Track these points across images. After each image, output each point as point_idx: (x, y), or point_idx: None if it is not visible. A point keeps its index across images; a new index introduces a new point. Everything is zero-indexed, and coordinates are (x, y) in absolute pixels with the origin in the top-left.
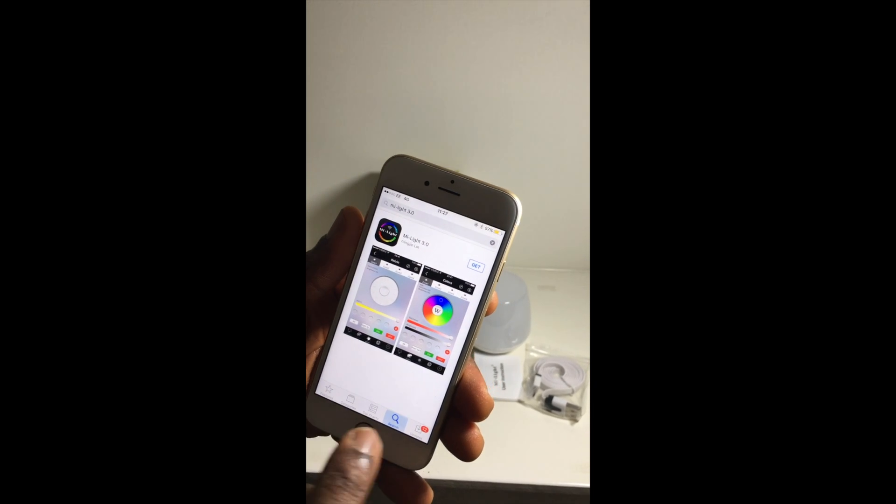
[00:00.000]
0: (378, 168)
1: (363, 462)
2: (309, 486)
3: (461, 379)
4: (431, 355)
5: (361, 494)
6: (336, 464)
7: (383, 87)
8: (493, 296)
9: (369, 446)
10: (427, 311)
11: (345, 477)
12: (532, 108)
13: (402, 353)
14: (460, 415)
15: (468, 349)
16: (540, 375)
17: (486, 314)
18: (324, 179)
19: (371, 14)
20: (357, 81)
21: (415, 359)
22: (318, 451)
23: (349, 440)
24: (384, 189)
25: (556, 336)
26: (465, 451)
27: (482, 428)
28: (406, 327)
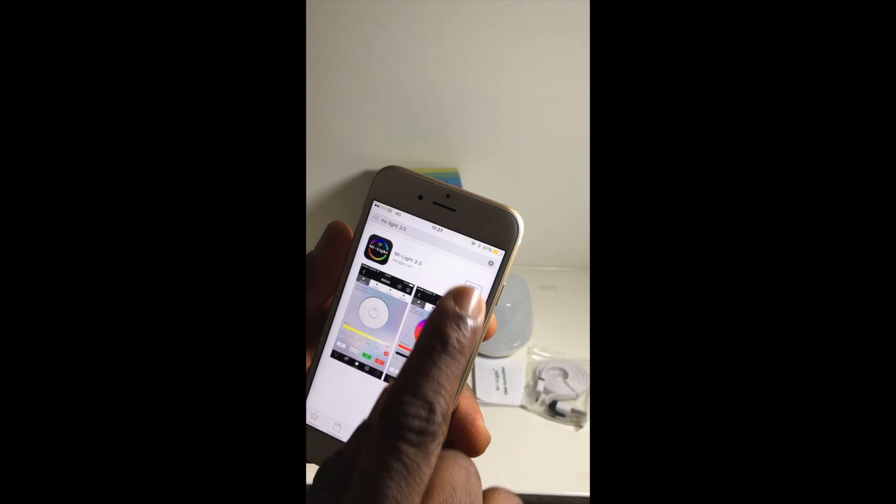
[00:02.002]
0: (374, 166)
1: (467, 326)
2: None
3: (455, 410)
4: None
5: (463, 360)
6: (434, 326)
7: (380, 85)
8: (492, 320)
9: (472, 309)
10: None
11: (443, 341)
12: (531, 108)
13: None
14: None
15: (464, 378)
16: (543, 379)
17: (484, 339)
18: (319, 178)
19: (368, 13)
20: (353, 79)
21: None
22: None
23: (449, 301)
24: (374, 203)
25: (559, 338)
26: None
27: None
28: (397, 352)
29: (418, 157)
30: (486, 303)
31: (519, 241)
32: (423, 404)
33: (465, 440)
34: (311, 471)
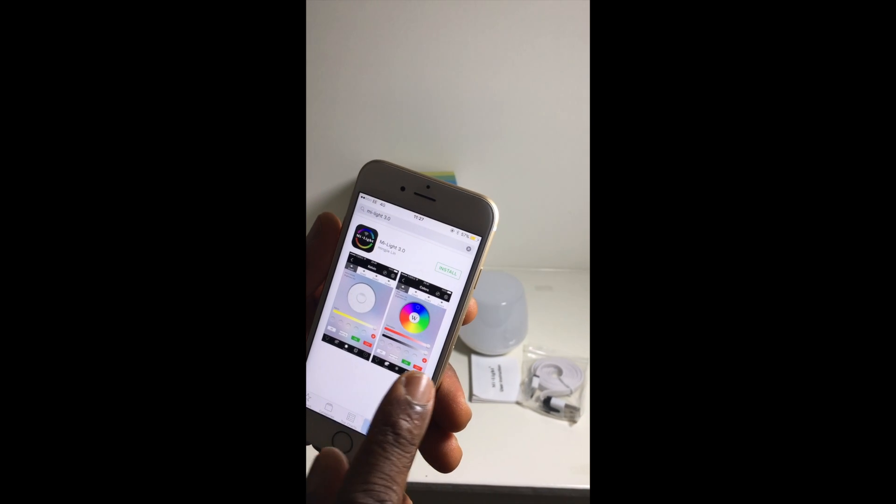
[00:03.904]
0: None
1: (416, 413)
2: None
3: (439, 388)
4: (409, 363)
5: (413, 450)
6: (387, 416)
7: (377, 87)
8: (472, 303)
9: (421, 395)
10: (404, 319)
11: (396, 432)
12: (527, 108)
13: (379, 361)
14: (438, 425)
15: (445, 357)
16: (538, 376)
17: (465, 322)
18: (317, 182)
19: (364, 14)
20: (350, 82)
21: (392, 367)
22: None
23: (400, 388)
24: (361, 195)
25: (554, 336)
26: (442, 463)
27: (475, 422)
28: (383, 335)
29: (415, 160)
30: (465, 286)
31: (494, 228)
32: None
33: (447, 416)
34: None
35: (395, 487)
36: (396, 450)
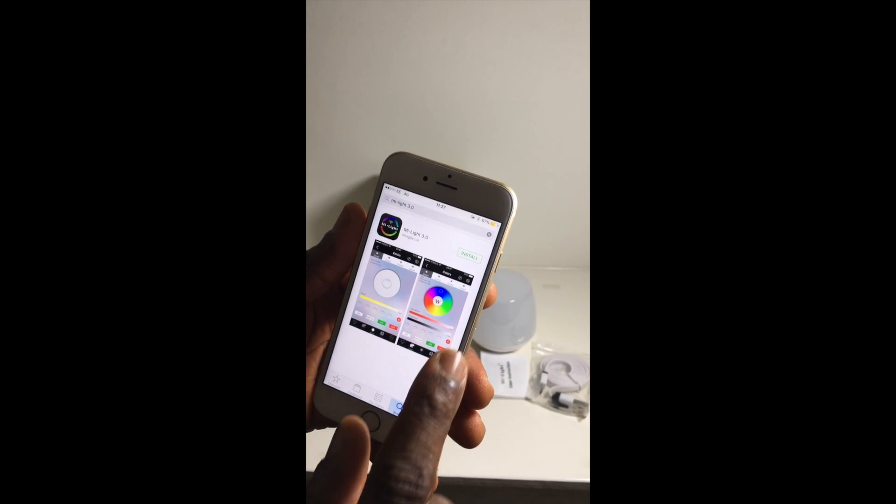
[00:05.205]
0: (380, 171)
1: (450, 388)
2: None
3: None
4: (433, 345)
5: (448, 423)
6: (423, 389)
7: (384, 89)
8: (492, 287)
9: (455, 371)
10: (428, 302)
11: (432, 405)
12: (534, 109)
13: (404, 344)
14: (461, 403)
15: (468, 338)
16: (546, 373)
17: (486, 305)
18: (326, 184)
19: (370, 16)
20: (357, 84)
21: (417, 348)
22: (323, 448)
23: (435, 364)
24: (385, 185)
25: (562, 334)
26: (466, 438)
27: (485, 418)
28: (408, 318)
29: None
30: (486, 269)
31: (513, 214)
32: (412, 469)
33: (471, 394)
34: (326, 435)
35: (430, 455)
36: (432, 421)
